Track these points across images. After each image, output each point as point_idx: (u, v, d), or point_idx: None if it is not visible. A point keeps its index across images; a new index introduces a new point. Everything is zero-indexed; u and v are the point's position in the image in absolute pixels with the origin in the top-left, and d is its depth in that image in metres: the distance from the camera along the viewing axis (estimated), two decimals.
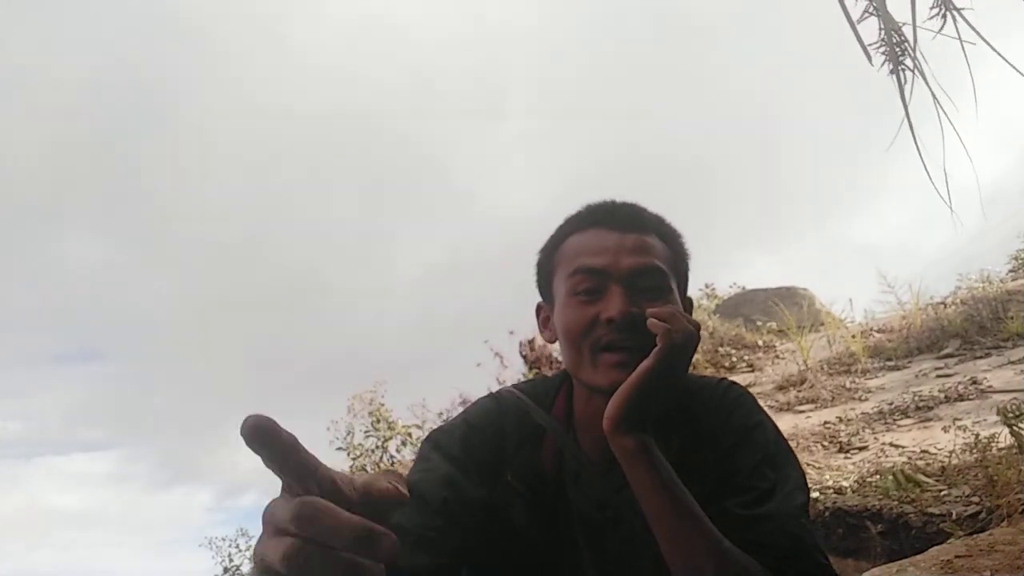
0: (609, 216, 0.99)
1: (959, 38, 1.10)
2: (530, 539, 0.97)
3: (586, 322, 0.92)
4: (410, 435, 6.22)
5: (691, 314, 1.04)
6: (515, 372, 6.25)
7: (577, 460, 0.99)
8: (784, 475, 0.94)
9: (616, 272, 0.93)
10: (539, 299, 1.08)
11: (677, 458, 0.91)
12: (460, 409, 1.24)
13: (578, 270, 0.95)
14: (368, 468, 6.41)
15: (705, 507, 0.87)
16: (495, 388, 1.14)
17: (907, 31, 1.11)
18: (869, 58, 1.07)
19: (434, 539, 0.88)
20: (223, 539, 7.74)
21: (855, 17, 1.07)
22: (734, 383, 1.07)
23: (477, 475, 0.96)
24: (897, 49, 1.07)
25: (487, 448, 1.00)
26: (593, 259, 0.94)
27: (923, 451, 3.82)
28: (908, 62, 1.09)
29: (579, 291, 0.94)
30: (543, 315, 1.06)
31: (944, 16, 1.10)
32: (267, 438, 0.41)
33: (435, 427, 1.19)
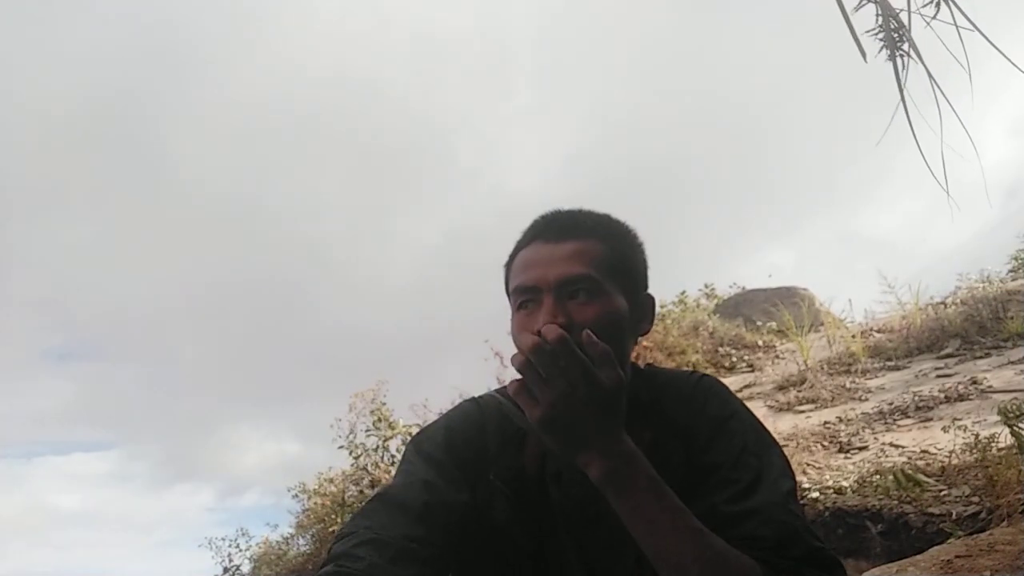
0: (546, 228, 1.04)
1: (954, 23, 1.09)
2: (515, 539, 0.98)
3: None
4: (410, 435, 6.21)
5: (653, 311, 1.08)
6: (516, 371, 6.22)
7: (558, 460, 1.01)
8: (767, 463, 0.95)
9: (546, 285, 0.98)
10: None
11: (649, 451, 0.94)
12: None
13: (516, 288, 1.01)
14: (369, 467, 6.42)
15: (686, 502, 0.88)
16: (495, 387, 1.14)
17: (905, 19, 1.11)
18: (863, 53, 1.06)
19: (416, 549, 0.88)
20: (223, 539, 7.75)
21: (853, 4, 1.07)
22: (706, 375, 1.09)
23: (459, 478, 0.99)
24: (894, 34, 1.06)
25: (469, 450, 1.02)
26: (527, 276, 1.00)
27: (923, 451, 3.81)
28: (906, 47, 1.08)
29: (520, 307, 1.01)
30: None
31: (938, 4, 1.09)
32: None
33: None
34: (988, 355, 5.37)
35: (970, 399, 4.47)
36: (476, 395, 1.14)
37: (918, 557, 2.34)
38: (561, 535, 0.99)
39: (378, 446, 6.44)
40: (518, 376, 0.91)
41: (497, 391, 1.11)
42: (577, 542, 0.99)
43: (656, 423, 1.01)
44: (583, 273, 0.97)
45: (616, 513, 0.89)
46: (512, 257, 1.07)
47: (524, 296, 0.99)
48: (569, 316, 0.95)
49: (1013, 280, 7.12)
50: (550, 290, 0.97)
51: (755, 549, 0.84)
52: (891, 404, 4.81)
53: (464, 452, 1.01)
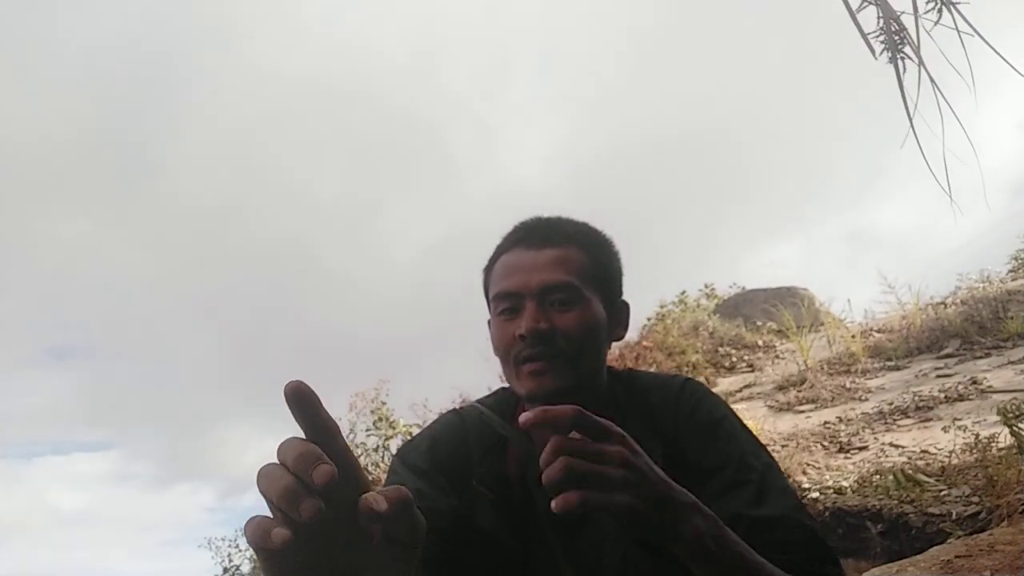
0: (528, 235, 1.07)
1: (956, 28, 1.10)
2: (501, 543, 1.00)
3: (507, 339, 1.01)
4: (411, 434, 6.22)
5: (627, 318, 1.11)
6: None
7: (540, 464, 1.02)
8: (766, 463, 0.98)
9: (528, 291, 1.00)
10: None
11: None
12: None
13: (498, 294, 1.03)
14: (370, 467, 6.43)
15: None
16: (495, 385, 1.17)
17: (907, 21, 1.12)
18: (872, 50, 1.07)
19: None
20: (223, 539, 7.75)
21: (854, 6, 1.07)
22: (690, 379, 1.12)
23: (445, 485, 1.01)
24: (896, 38, 1.07)
25: (453, 458, 1.04)
26: (509, 281, 1.02)
27: (923, 451, 3.82)
28: (908, 51, 1.09)
29: (501, 311, 1.03)
30: None
31: (940, 9, 1.10)
32: (302, 400, 0.54)
33: None
34: (988, 355, 5.37)
35: (970, 399, 4.47)
36: (458, 407, 1.18)
37: (918, 557, 2.35)
38: (548, 537, 1.01)
39: (379, 446, 6.45)
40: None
41: (479, 401, 1.14)
42: (564, 543, 1.01)
43: (635, 424, 1.02)
44: (565, 280, 1.00)
45: (602, 514, 0.89)
46: (492, 262, 1.10)
47: (506, 302, 1.02)
48: (551, 322, 0.98)
49: (1013, 280, 7.12)
50: (532, 296, 0.99)
51: (785, 554, 0.86)
52: (891, 404, 4.81)
53: (448, 460, 1.04)
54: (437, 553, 0.93)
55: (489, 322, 1.10)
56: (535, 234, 1.06)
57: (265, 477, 0.52)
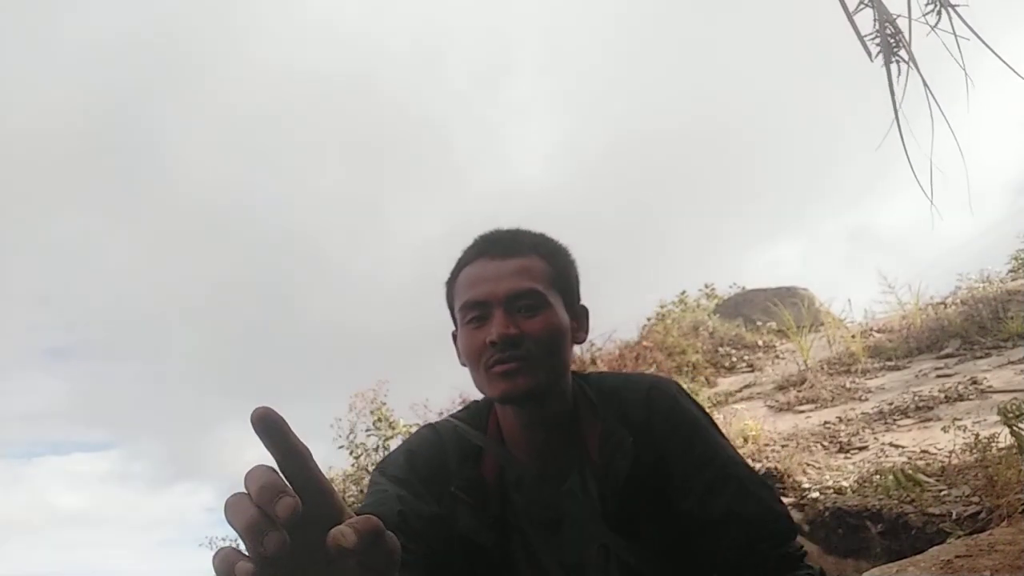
0: (491, 245, 1.11)
1: (952, 31, 1.10)
2: (482, 545, 1.04)
3: (477, 346, 1.04)
4: (410, 434, 6.19)
5: (588, 321, 1.17)
6: None
7: (516, 469, 1.09)
8: (740, 460, 1.05)
9: (496, 299, 1.04)
10: None
11: (600, 441, 1.05)
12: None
13: (466, 304, 1.07)
14: (369, 468, 6.43)
15: (662, 493, 1.00)
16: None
17: (902, 25, 1.12)
18: (868, 53, 1.07)
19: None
20: (223, 539, 7.73)
21: (851, 8, 1.07)
22: (660, 378, 1.18)
23: (425, 493, 1.06)
24: (891, 40, 1.07)
25: (431, 468, 1.09)
26: (476, 291, 1.06)
27: (923, 451, 3.82)
28: (903, 54, 1.09)
29: (469, 320, 1.07)
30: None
31: (939, 12, 1.10)
32: (270, 426, 0.50)
33: None
34: (988, 355, 5.37)
35: (970, 399, 4.47)
36: (433, 421, 1.23)
37: (918, 557, 2.35)
38: (527, 536, 1.06)
39: (378, 446, 6.44)
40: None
41: (453, 416, 1.20)
42: (545, 541, 1.06)
43: (605, 416, 1.08)
44: (530, 287, 1.05)
45: (579, 510, 1.00)
46: (455, 275, 1.13)
47: (474, 311, 1.06)
48: (519, 327, 1.03)
49: (1013, 280, 7.12)
50: (500, 304, 1.04)
51: (777, 548, 0.97)
52: (891, 404, 4.81)
53: (426, 470, 1.08)
54: (421, 558, 0.96)
55: (453, 334, 1.14)
56: (498, 245, 1.10)
57: (231, 508, 0.50)
